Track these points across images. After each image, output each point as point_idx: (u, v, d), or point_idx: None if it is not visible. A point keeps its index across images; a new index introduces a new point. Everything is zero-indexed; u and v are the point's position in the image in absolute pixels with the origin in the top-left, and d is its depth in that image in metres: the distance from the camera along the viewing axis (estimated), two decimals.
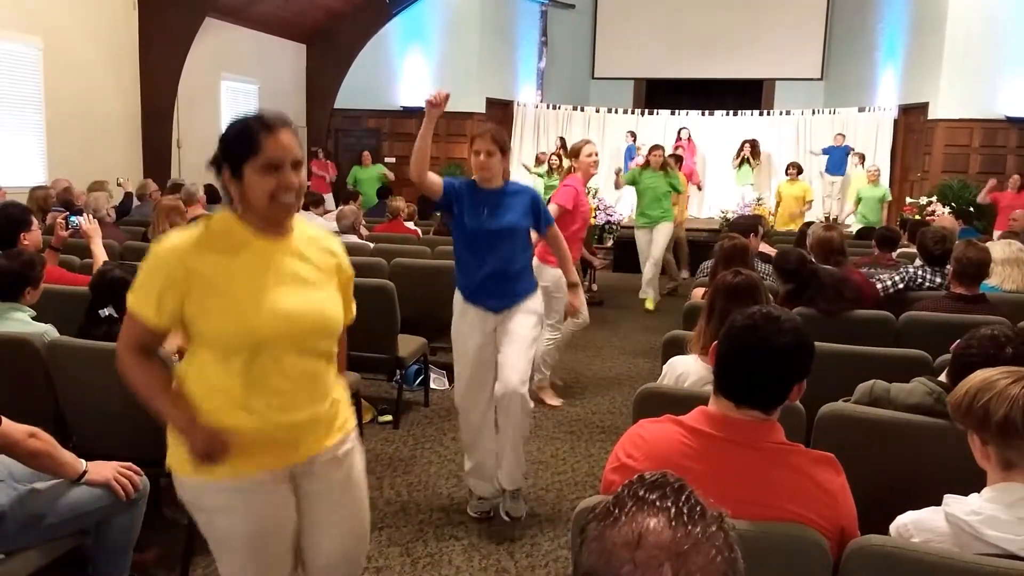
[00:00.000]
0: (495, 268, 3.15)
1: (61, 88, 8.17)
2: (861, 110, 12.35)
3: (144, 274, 1.73)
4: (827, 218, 10.35)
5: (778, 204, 10.14)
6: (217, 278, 1.70)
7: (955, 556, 1.50)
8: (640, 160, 8.52)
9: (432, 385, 5.01)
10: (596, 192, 9.31)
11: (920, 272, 4.17)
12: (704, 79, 13.76)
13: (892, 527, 1.69)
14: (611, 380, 5.51)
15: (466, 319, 3.24)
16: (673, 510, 0.84)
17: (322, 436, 1.86)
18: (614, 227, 9.18)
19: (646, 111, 13.62)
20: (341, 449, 1.91)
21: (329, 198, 10.05)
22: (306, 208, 6.72)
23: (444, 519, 3.34)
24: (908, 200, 10.48)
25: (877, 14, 12.35)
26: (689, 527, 0.83)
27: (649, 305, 7.73)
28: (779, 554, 1.53)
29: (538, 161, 11.42)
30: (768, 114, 13.29)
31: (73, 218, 4.26)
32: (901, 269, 4.30)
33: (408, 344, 4.50)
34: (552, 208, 4.37)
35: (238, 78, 11.05)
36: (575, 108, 13.68)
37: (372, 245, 5.88)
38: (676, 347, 2.89)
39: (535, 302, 3.28)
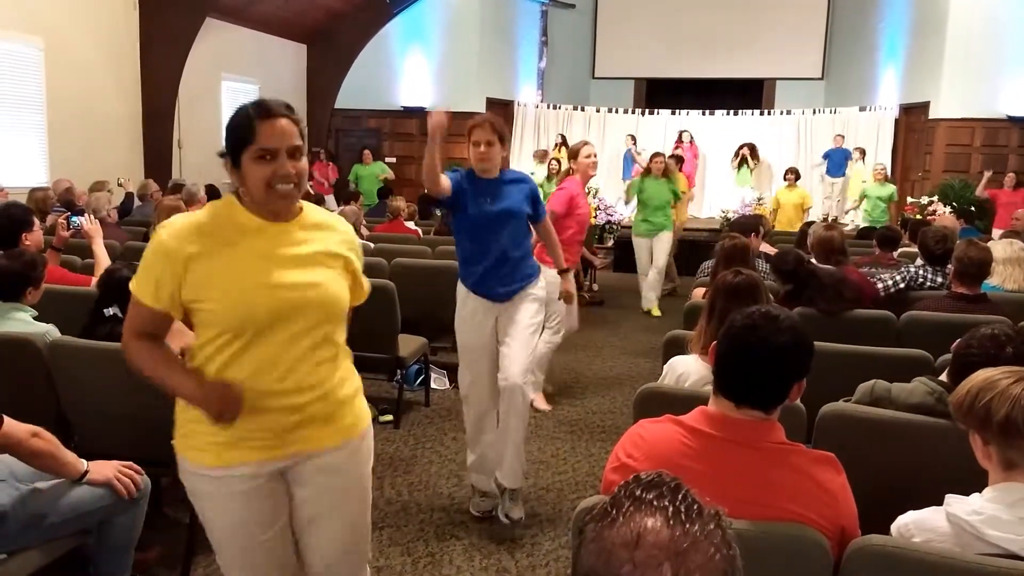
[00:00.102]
0: (498, 254, 3.14)
1: (62, 88, 8.17)
2: (862, 110, 12.33)
3: (146, 259, 1.75)
4: (827, 218, 10.31)
5: (776, 211, 9.81)
6: (218, 261, 1.71)
7: (956, 556, 1.50)
8: (640, 168, 8.49)
9: (433, 385, 5.02)
10: (596, 192, 9.31)
11: (921, 272, 4.17)
12: (705, 79, 13.74)
13: (893, 527, 1.69)
14: (611, 380, 5.51)
15: (469, 310, 3.24)
16: (671, 509, 0.84)
17: (322, 434, 1.82)
18: (614, 227, 9.17)
19: (646, 111, 13.60)
20: (343, 452, 1.87)
21: (330, 199, 10.08)
22: None
23: (445, 519, 3.35)
24: (909, 200, 10.47)
25: (878, 13, 12.33)
26: (687, 526, 0.83)
27: (656, 312, 7.58)
28: (779, 554, 1.53)
29: (538, 157, 11.40)
30: (769, 114, 13.27)
31: (74, 218, 4.28)
32: (902, 269, 4.29)
33: (409, 344, 4.52)
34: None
35: (238, 78, 11.04)
36: (575, 108, 13.67)
37: (373, 245, 5.89)
38: (676, 347, 2.90)
39: (537, 288, 3.29)
